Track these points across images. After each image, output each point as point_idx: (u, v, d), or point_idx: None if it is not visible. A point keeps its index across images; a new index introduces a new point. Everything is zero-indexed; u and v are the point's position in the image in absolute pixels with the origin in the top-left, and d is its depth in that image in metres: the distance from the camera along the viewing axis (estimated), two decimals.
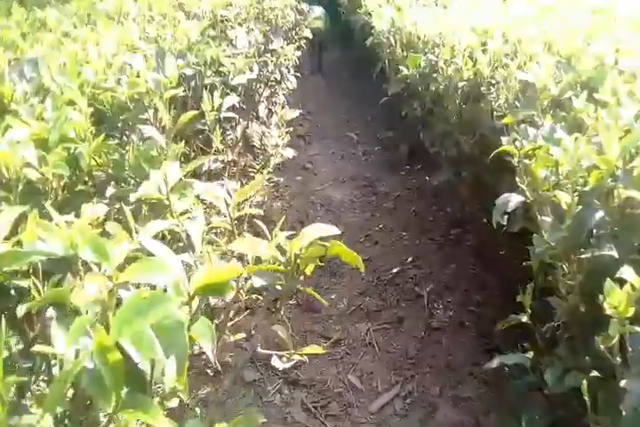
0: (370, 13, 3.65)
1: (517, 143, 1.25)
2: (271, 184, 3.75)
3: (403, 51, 2.54)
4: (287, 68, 2.97)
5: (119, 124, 1.27)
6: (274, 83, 2.81)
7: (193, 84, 1.98)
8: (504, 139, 1.24)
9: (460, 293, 2.93)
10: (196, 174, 1.65)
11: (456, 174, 2.57)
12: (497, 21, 2.61)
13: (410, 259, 3.27)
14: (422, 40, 2.52)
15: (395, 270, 3.18)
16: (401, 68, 2.28)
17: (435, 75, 2.11)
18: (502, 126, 1.99)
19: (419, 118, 2.48)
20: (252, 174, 2.80)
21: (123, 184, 1.06)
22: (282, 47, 2.91)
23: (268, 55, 2.82)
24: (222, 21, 2.33)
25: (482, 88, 2.02)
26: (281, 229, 1.00)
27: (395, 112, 4.12)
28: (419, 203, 3.91)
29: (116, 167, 1.06)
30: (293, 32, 3.09)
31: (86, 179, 1.06)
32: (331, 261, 3.26)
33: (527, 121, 1.33)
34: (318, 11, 6.69)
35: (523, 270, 2.53)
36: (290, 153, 2.46)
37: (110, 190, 1.03)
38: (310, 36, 3.24)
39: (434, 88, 2.10)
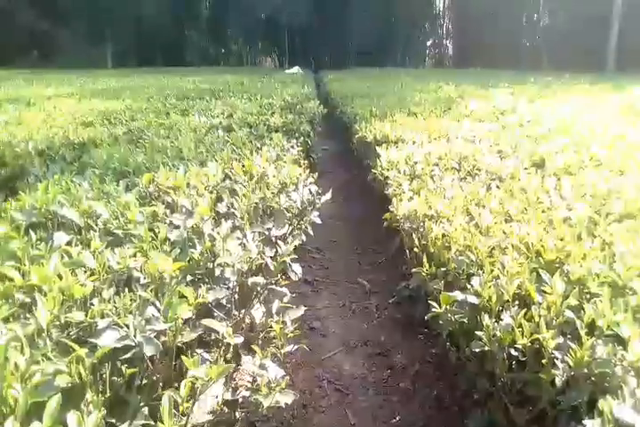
0: (387, 179, 3.29)
1: None
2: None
3: (430, 266, 2.08)
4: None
5: None
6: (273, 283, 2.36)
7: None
8: None
9: None
10: None
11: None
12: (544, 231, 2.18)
13: None
14: (455, 253, 2.08)
15: None
16: (431, 303, 1.81)
17: (477, 331, 1.63)
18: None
19: (450, 360, 1.99)
20: None
21: None
22: (284, 236, 2.48)
23: (268, 251, 2.39)
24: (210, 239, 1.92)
25: (543, 360, 1.54)
26: None
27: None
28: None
29: None
30: (299, 218, 2.67)
31: None
32: None
33: None
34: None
35: None
36: (289, 398, 1.92)
37: None
38: (319, 222, 2.83)
39: (476, 348, 1.61)
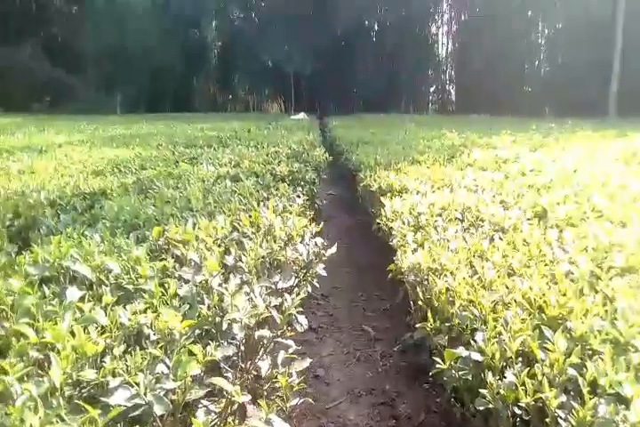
0: (391, 229, 3.35)
1: None
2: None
3: (434, 320, 2.12)
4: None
5: None
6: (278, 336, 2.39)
7: None
8: None
9: None
10: None
11: None
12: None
13: None
14: (458, 308, 2.11)
15: None
16: (435, 359, 1.84)
17: (481, 389, 1.65)
18: None
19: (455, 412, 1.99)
20: None
21: None
22: (291, 288, 2.53)
23: (274, 301, 2.42)
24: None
25: (547, 419, 1.55)
26: None
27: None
28: None
29: None
30: (305, 271, 2.72)
31: None
32: None
33: None
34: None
35: None
36: None
37: None
38: (325, 274, 2.88)
39: (480, 406, 1.63)
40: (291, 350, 2.56)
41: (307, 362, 2.61)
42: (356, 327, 4.73)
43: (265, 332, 2.26)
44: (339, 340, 4.54)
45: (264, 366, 2.39)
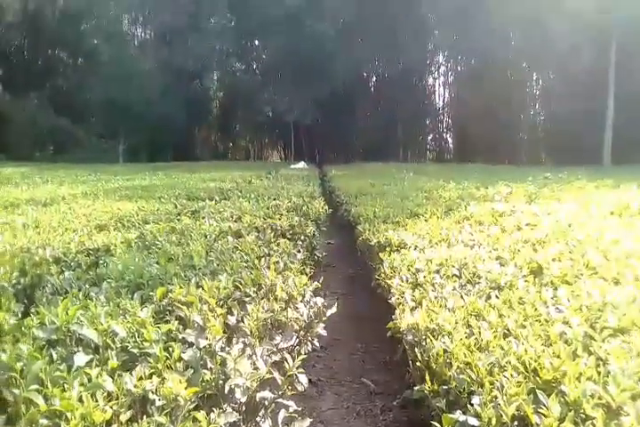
0: (389, 286, 3.42)
1: None
2: None
3: (432, 383, 2.16)
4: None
5: None
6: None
7: None
8: None
9: None
10: None
11: None
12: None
13: None
14: (455, 370, 2.16)
15: None
16: (434, 423, 1.88)
17: None
18: None
19: None
20: None
21: None
22: (292, 347, 2.58)
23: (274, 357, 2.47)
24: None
25: None
26: None
27: None
28: None
29: None
30: (305, 330, 2.78)
31: None
32: None
33: None
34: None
35: None
36: None
37: None
38: (325, 334, 2.93)
39: None
40: (291, 409, 2.59)
41: (307, 422, 2.64)
42: (355, 380, 4.71)
43: (266, 393, 2.30)
44: (338, 393, 4.51)
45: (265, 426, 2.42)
